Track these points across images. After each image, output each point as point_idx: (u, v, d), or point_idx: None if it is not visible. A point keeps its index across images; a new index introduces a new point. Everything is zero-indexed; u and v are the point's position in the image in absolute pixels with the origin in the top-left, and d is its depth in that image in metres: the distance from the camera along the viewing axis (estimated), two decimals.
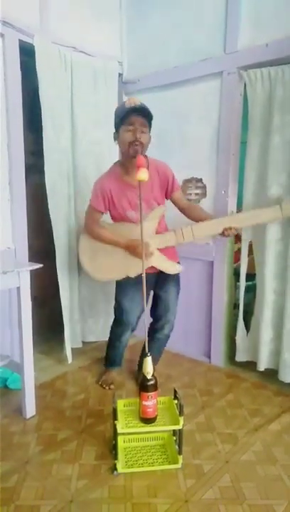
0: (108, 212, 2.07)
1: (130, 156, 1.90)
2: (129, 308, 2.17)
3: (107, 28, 2.64)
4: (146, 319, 1.77)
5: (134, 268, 2.03)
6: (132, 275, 2.05)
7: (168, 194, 2.09)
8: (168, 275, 2.11)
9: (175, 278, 2.17)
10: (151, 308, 2.26)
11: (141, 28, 2.65)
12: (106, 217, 2.13)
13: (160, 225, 2.07)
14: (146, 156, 2.00)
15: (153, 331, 2.26)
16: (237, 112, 2.31)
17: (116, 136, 1.95)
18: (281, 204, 1.97)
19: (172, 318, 2.23)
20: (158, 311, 2.21)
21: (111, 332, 2.32)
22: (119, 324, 2.25)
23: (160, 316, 2.21)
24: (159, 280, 2.13)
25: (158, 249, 2.05)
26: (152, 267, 2.06)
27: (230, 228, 1.97)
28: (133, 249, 1.98)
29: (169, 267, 2.08)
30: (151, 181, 1.93)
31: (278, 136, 2.08)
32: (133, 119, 1.85)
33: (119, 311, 2.22)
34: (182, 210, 2.14)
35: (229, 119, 2.29)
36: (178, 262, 2.16)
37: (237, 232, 2.02)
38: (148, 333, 2.31)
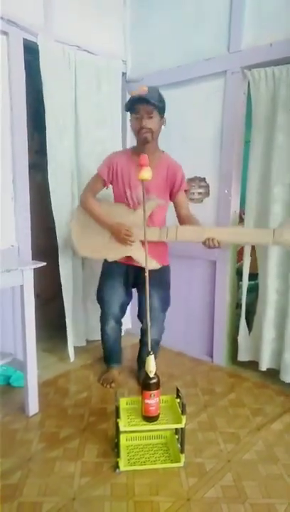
0: (110, 185, 2.11)
1: (141, 143, 1.98)
2: (108, 297, 2.20)
3: (111, 27, 2.64)
4: (147, 321, 1.76)
5: (114, 253, 2.06)
6: (109, 259, 2.09)
7: (173, 193, 2.08)
8: (150, 277, 2.01)
9: (159, 282, 2.11)
10: (138, 310, 2.27)
11: (144, 27, 2.65)
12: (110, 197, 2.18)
13: (156, 219, 2.05)
14: (162, 152, 2.08)
15: (143, 332, 2.30)
16: (241, 111, 2.30)
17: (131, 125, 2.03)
18: (275, 229, 1.80)
19: (155, 324, 2.14)
20: (142, 315, 2.21)
21: (100, 326, 2.33)
22: (102, 314, 2.28)
23: (141, 320, 2.23)
24: (141, 280, 2.04)
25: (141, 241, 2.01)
26: (131, 260, 2.07)
27: (212, 239, 1.84)
28: (117, 233, 2.01)
29: (144, 261, 1.95)
30: (157, 176, 1.93)
31: (282, 136, 2.08)
32: (138, 107, 1.91)
33: (99, 299, 2.26)
34: (180, 217, 2.10)
35: (233, 119, 2.29)
36: (167, 266, 2.15)
37: (218, 246, 1.85)
38: (141, 335, 2.34)
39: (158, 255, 2.07)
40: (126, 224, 2.00)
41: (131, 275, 2.16)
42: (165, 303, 2.22)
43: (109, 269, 2.18)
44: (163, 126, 2.02)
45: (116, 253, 2.07)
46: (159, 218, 2.09)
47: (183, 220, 2.10)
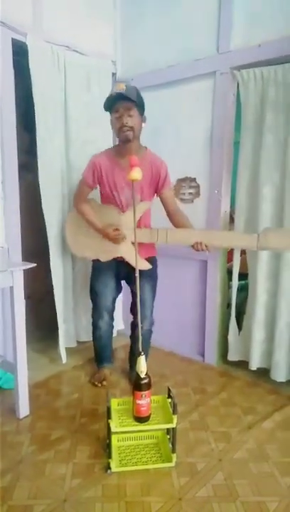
0: (97, 187, 2.14)
1: (122, 141, 1.99)
2: (101, 292, 2.23)
3: (101, 27, 2.64)
4: (139, 320, 1.76)
5: (106, 253, 2.12)
6: (102, 259, 2.14)
7: (158, 190, 2.10)
8: (141, 271, 2.06)
9: (150, 274, 2.17)
10: (131, 304, 2.29)
11: (134, 28, 2.65)
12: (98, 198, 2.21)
13: (143, 220, 2.08)
14: (146, 148, 2.08)
15: (134, 327, 2.29)
16: (230, 111, 2.32)
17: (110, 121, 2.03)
18: (259, 234, 1.86)
19: (148, 313, 2.24)
20: (134, 307, 2.18)
21: (92, 322, 2.34)
22: (94, 309, 2.30)
23: (135, 313, 2.17)
24: (131, 274, 2.06)
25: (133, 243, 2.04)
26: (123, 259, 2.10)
27: (200, 243, 1.91)
28: (106, 236, 2.05)
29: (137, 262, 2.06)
30: (143, 176, 1.93)
31: (271, 136, 2.10)
32: (117, 105, 1.91)
33: (92, 294, 2.29)
34: (169, 213, 2.13)
35: (223, 119, 2.30)
36: (153, 257, 2.19)
37: (206, 249, 1.93)
38: (132, 330, 2.33)
39: (146, 249, 2.12)
40: (113, 224, 2.03)
41: (122, 270, 2.18)
42: (154, 293, 2.26)
43: (100, 265, 2.21)
44: (143, 124, 2.02)
45: (108, 254, 2.13)
46: (147, 219, 2.14)
47: (172, 216, 2.12)
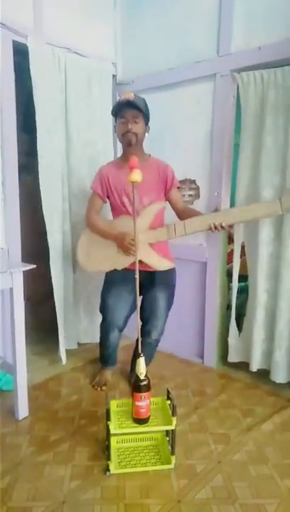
0: (107, 200, 2.14)
1: (126, 145, 2.03)
2: (112, 306, 2.17)
3: (101, 29, 2.64)
4: (138, 320, 1.76)
5: (122, 261, 2.06)
6: (120, 267, 2.08)
7: (166, 192, 2.11)
8: (157, 278, 2.11)
9: (166, 283, 2.15)
10: (141, 310, 2.26)
11: (135, 30, 2.66)
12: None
13: (156, 222, 2.07)
14: (149, 155, 2.11)
15: (142, 334, 2.25)
16: (230, 114, 2.32)
17: (115, 128, 2.08)
18: (281, 198, 1.90)
19: (159, 323, 2.20)
20: (145, 315, 2.18)
21: (100, 331, 2.31)
22: (104, 323, 2.25)
23: (146, 321, 2.19)
24: (147, 283, 2.11)
25: (150, 245, 2.05)
26: (141, 265, 2.04)
27: (220, 224, 1.93)
28: (121, 241, 2.01)
29: (156, 263, 2.07)
30: (150, 179, 1.98)
31: (271, 138, 2.10)
32: (125, 112, 1.96)
33: (103, 308, 2.23)
34: (178, 212, 2.16)
35: (223, 121, 2.31)
36: (174, 268, 2.16)
37: (224, 229, 1.96)
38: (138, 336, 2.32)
39: (165, 254, 2.12)
40: (126, 232, 1.99)
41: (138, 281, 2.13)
42: (170, 303, 2.22)
43: (113, 277, 2.16)
44: (146, 134, 2.06)
45: (124, 261, 2.06)
46: (161, 221, 2.12)
47: (181, 214, 2.14)
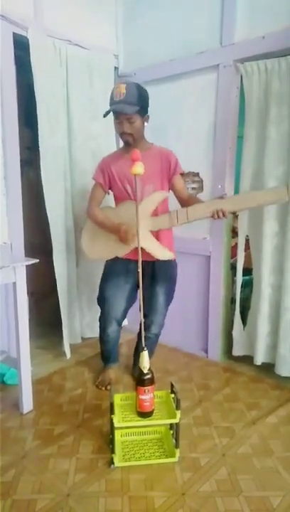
0: (109, 191, 2.13)
1: (124, 143, 2.03)
2: (111, 298, 2.14)
3: (103, 21, 2.62)
4: (141, 314, 1.75)
5: (123, 248, 2.04)
6: (120, 255, 2.07)
7: (169, 179, 2.06)
8: (157, 271, 2.08)
9: (166, 277, 2.12)
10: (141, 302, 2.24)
11: (136, 21, 2.63)
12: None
13: (160, 209, 2.03)
14: (151, 144, 2.08)
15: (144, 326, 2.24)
16: (234, 105, 2.29)
17: None
18: (289, 184, 1.81)
19: (159, 318, 2.18)
20: (144, 310, 2.10)
21: (99, 325, 2.27)
22: (103, 316, 2.22)
23: (145, 316, 2.13)
24: (147, 275, 2.07)
25: (152, 232, 2.01)
26: (143, 254, 2.00)
27: (220, 210, 1.84)
28: (117, 232, 2.00)
29: (155, 251, 2.01)
30: (152, 167, 1.94)
31: (275, 129, 2.07)
32: (117, 113, 1.92)
33: (100, 300, 2.20)
34: (182, 201, 2.09)
35: (226, 112, 2.28)
36: (175, 260, 2.14)
37: (226, 217, 1.87)
38: (139, 329, 2.31)
39: (167, 239, 2.09)
40: (123, 222, 1.97)
41: (135, 271, 2.10)
42: (170, 298, 2.20)
43: (112, 267, 2.13)
44: (145, 123, 2.01)
45: (125, 247, 2.03)
46: (164, 208, 2.07)
47: (185, 202, 2.07)
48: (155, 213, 2.01)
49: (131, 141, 1.97)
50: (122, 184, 2.05)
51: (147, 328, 2.18)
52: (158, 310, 2.17)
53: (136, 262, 2.05)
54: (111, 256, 2.12)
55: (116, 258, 2.10)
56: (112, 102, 1.90)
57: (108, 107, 1.97)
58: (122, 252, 2.06)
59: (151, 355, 2.31)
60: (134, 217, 1.74)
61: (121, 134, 1.97)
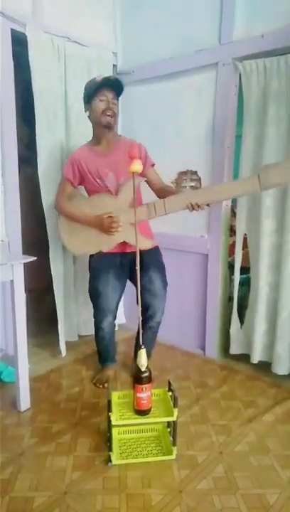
0: (78, 186, 2.11)
1: (102, 125, 1.98)
2: (103, 293, 2.13)
3: (101, 18, 2.60)
4: (139, 312, 1.75)
5: (107, 242, 2.02)
6: (104, 250, 2.04)
7: (142, 172, 1.99)
8: (146, 259, 2.04)
9: (156, 263, 2.13)
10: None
11: (135, 18, 2.61)
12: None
13: (138, 200, 2.01)
14: (120, 136, 2.10)
15: (143, 320, 2.19)
16: (232, 103, 2.29)
17: (87, 107, 2.02)
18: (259, 174, 1.74)
19: (162, 304, 2.18)
20: (145, 301, 2.13)
21: (94, 322, 2.26)
22: (97, 310, 2.21)
23: (148, 305, 2.15)
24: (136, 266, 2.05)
25: (131, 224, 1.98)
26: (126, 246, 2.04)
27: (196, 203, 1.84)
28: (100, 226, 1.98)
29: (139, 242, 1.94)
30: (123, 159, 1.84)
31: (273, 129, 2.07)
32: (105, 91, 1.95)
33: (94, 296, 2.18)
34: (156, 191, 2.11)
35: (225, 111, 2.27)
36: (156, 247, 2.14)
37: (202, 209, 1.86)
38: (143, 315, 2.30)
39: (145, 232, 2.08)
40: (103, 214, 1.96)
41: (126, 265, 2.11)
42: (165, 282, 2.20)
43: (100, 262, 2.12)
44: None
45: (109, 242, 2.02)
46: (140, 199, 2.07)
47: (160, 193, 2.08)
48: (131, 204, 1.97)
49: (112, 122, 1.97)
50: (94, 179, 2.03)
51: (151, 317, 2.18)
52: (159, 295, 2.15)
53: (122, 254, 2.07)
54: (95, 251, 2.08)
55: (101, 253, 2.07)
56: (103, 79, 1.92)
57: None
58: (107, 246, 2.03)
59: (153, 345, 2.32)
60: (108, 207, 1.83)
61: (104, 111, 1.94)
